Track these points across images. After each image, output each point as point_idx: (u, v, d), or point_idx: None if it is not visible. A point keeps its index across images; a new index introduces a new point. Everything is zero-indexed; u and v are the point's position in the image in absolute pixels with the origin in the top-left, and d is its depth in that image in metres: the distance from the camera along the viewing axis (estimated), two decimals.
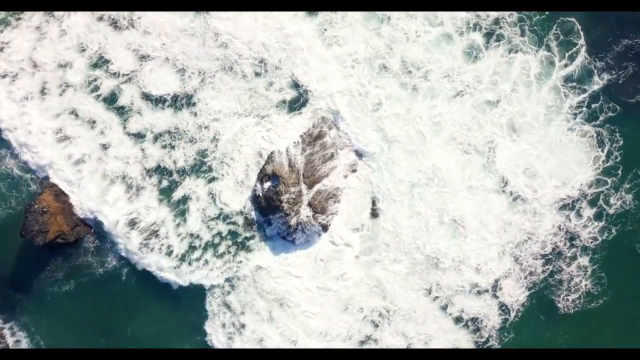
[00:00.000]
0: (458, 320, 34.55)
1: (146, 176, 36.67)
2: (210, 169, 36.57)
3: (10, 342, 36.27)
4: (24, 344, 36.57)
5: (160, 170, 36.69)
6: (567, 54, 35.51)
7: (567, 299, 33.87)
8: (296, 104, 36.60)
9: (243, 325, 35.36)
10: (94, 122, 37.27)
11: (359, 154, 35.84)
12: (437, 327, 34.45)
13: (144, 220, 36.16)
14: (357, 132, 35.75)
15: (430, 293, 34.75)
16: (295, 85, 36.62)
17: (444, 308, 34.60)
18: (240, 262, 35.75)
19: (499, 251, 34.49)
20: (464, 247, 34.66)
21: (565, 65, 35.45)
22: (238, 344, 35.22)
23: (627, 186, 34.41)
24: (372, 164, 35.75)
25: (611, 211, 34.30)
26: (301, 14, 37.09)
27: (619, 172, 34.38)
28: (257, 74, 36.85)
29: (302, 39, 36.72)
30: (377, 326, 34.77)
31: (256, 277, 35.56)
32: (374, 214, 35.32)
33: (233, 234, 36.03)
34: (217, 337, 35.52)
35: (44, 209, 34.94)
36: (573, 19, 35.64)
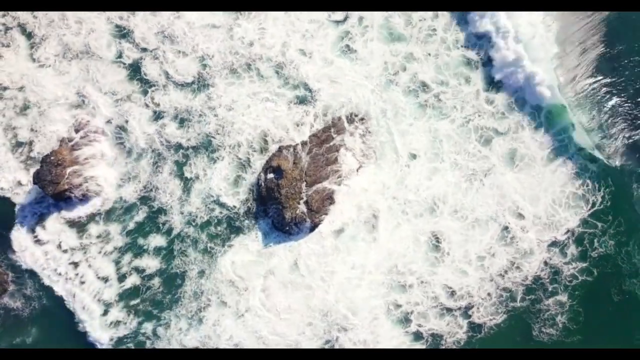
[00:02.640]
0: (418, 336, 35.20)
1: (168, 151, 38.66)
2: (216, 150, 38.16)
3: (10, 277, 38.99)
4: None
5: (175, 147, 38.62)
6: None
7: (542, 331, 34.21)
8: (307, 103, 38.00)
9: (201, 319, 36.74)
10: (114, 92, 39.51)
11: (359, 163, 37.15)
12: (395, 342, 35.27)
13: (158, 197, 38.25)
14: (360, 142, 37.11)
15: (397, 308, 35.44)
16: (308, 88, 38.09)
17: (407, 324, 35.31)
18: (230, 246, 37.18)
19: (480, 277, 35.02)
20: (442, 270, 35.41)
21: None
22: (192, 334, 36.61)
23: (612, 232, 34.58)
24: (369, 175, 36.92)
25: (594, 254, 34.54)
26: (325, 22, 38.58)
27: (609, 217, 34.58)
28: (274, 73, 38.56)
29: (320, 48, 38.26)
30: (340, 331, 35.67)
31: (233, 263, 37.02)
32: (366, 220, 36.40)
33: (229, 217, 37.51)
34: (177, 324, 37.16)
35: (59, 162, 37.08)
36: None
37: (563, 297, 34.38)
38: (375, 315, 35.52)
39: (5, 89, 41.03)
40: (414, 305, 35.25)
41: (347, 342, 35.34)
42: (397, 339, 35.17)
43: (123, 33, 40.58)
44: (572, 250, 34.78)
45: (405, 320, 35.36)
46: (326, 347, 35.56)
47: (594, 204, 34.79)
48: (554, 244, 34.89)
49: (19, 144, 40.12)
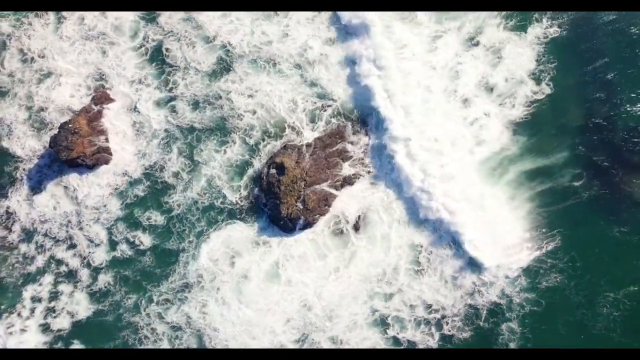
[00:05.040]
0: (396, 340, 36.25)
1: (180, 132, 40.66)
2: (228, 134, 40.12)
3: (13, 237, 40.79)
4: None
5: (188, 129, 40.64)
6: None
7: None
8: (322, 99, 40.05)
9: (184, 300, 38.34)
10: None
11: (357, 170, 38.95)
12: (369, 343, 36.47)
13: (165, 177, 40.18)
14: (361, 151, 39.07)
15: (375, 312, 36.68)
16: (324, 89, 40.20)
17: (384, 327, 36.47)
18: (224, 232, 38.81)
19: (452, 295, 36.09)
20: (420, 282, 36.70)
21: None
22: (173, 311, 37.99)
23: (561, 266, 35.49)
24: (366, 183, 38.72)
25: (542, 285, 35.43)
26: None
27: (560, 253, 35.48)
28: (294, 72, 40.84)
29: (337, 57, 40.50)
30: (317, 330, 36.84)
31: (223, 250, 38.60)
32: (356, 226, 38.20)
33: (229, 204, 39.22)
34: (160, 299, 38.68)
35: (76, 130, 39.03)
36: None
37: (514, 325, 35.33)
38: (354, 318, 36.78)
39: (32, 59, 42.99)
40: (395, 310, 36.45)
41: (322, 341, 36.56)
42: (371, 341, 36.36)
43: (149, 17, 42.58)
44: (522, 281, 35.73)
45: (383, 323, 36.47)
46: (300, 343, 36.70)
47: (544, 247, 35.94)
48: (508, 277, 35.95)
49: (35, 111, 42.03)
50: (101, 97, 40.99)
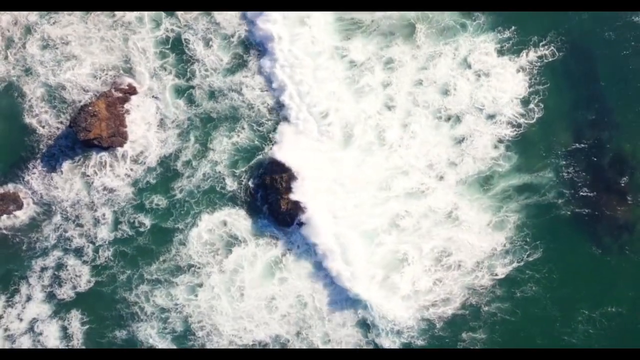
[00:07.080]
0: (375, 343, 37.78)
1: (194, 121, 42.25)
2: (236, 122, 41.65)
3: (28, 211, 42.97)
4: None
5: (202, 118, 42.16)
6: None
7: None
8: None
9: (174, 282, 40.15)
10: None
11: None
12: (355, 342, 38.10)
13: (175, 163, 41.92)
14: None
15: (358, 315, 38.24)
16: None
17: (367, 330, 38.09)
18: (223, 222, 40.48)
19: (411, 306, 37.46)
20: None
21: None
22: (163, 292, 40.03)
23: (538, 277, 36.83)
24: None
25: (518, 295, 36.73)
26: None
27: (541, 265, 36.89)
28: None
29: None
30: (308, 328, 38.42)
31: (214, 237, 40.30)
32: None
33: (232, 194, 40.75)
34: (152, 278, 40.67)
35: (95, 113, 40.92)
36: None
37: (481, 334, 36.68)
38: (344, 318, 38.36)
39: (55, 45, 44.58)
40: (380, 317, 37.78)
41: (316, 338, 38.26)
42: (355, 339, 38.11)
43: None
44: (498, 291, 37.13)
45: (366, 325, 38.09)
46: (296, 338, 38.36)
47: (524, 258, 37.26)
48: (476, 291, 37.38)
49: (56, 91, 43.63)
50: (122, 84, 42.88)
